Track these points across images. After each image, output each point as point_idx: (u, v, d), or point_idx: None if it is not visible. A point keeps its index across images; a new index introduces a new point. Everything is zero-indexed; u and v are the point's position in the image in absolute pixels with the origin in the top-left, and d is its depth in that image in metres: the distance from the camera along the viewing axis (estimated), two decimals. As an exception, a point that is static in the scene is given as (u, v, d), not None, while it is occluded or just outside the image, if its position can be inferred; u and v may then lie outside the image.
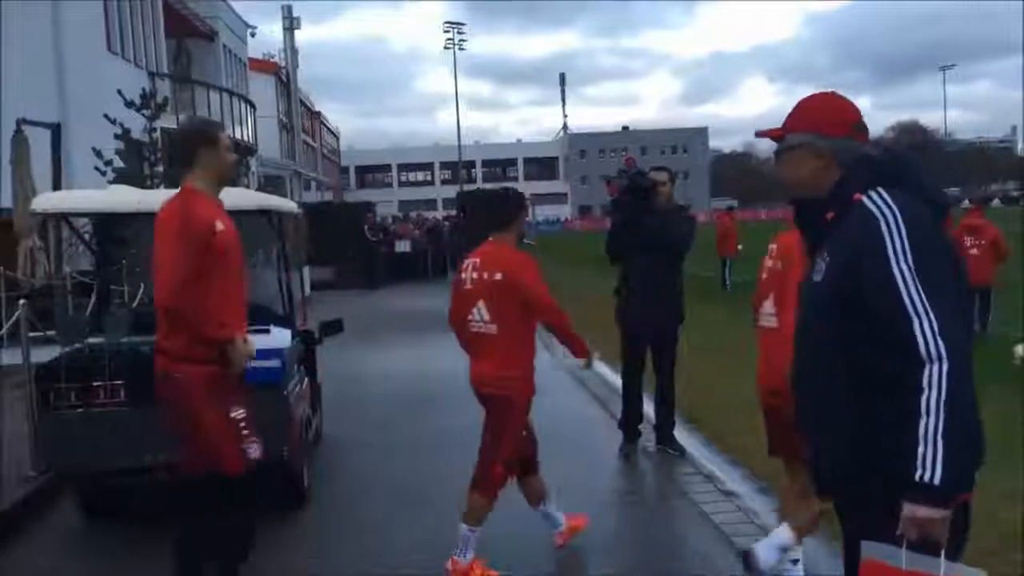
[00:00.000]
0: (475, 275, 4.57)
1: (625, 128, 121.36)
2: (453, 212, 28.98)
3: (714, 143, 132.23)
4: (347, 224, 24.79)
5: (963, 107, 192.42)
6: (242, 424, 4.03)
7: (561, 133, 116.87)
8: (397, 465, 6.87)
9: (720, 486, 5.99)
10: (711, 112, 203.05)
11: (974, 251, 10.99)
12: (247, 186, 16.67)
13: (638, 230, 6.61)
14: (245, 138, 30.55)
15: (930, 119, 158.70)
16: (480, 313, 4.53)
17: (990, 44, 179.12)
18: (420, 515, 5.63)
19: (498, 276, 4.48)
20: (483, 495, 4.52)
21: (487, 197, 23.76)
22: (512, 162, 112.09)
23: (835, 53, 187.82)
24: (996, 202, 75.14)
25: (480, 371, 4.57)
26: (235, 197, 4.94)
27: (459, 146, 77.59)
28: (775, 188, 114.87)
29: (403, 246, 27.40)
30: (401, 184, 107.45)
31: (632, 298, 6.79)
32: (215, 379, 3.95)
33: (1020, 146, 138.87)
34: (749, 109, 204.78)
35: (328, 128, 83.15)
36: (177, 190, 4.10)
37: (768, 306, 4.29)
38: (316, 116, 71.39)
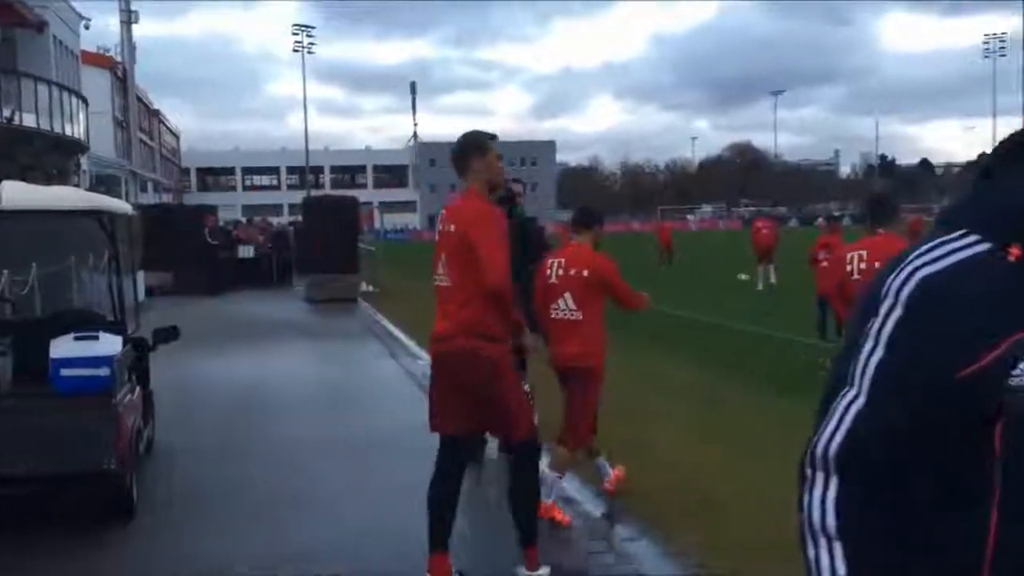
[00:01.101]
0: (560, 272, 5.31)
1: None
2: (299, 217, 28.36)
3: (562, 157, 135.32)
4: (186, 227, 23.90)
5: (793, 131, 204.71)
6: (530, 397, 4.58)
7: (412, 141, 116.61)
8: (231, 472, 6.68)
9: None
10: (561, 126, 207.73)
11: (824, 264, 11.85)
12: (77, 185, 15.81)
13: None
14: (75, 134, 28.98)
15: (762, 141, 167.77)
16: (565, 303, 5.25)
17: (818, 73, 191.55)
18: (256, 520, 5.51)
19: (585, 272, 5.25)
20: (570, 448, 5.32)
21: (331, 204, 23.53)
22: (361, 169, 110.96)
23: (679, 74, 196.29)
24: (820, 221, 79.89)
25: (565, 350, 5.26)
26: (62, 197, 4.71)
27: (306, 151, 76.11)
28: (620, 202, 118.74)
29: (246, 251, 26.65)
30: (246, 188, 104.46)
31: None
32: (510, 356, 4.40)
33: (842, 169, 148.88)
34: (596, 125, 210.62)
35: (168, 127, 79.96)
36: None
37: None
38: (155, 114, 68.51)
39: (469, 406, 4.30)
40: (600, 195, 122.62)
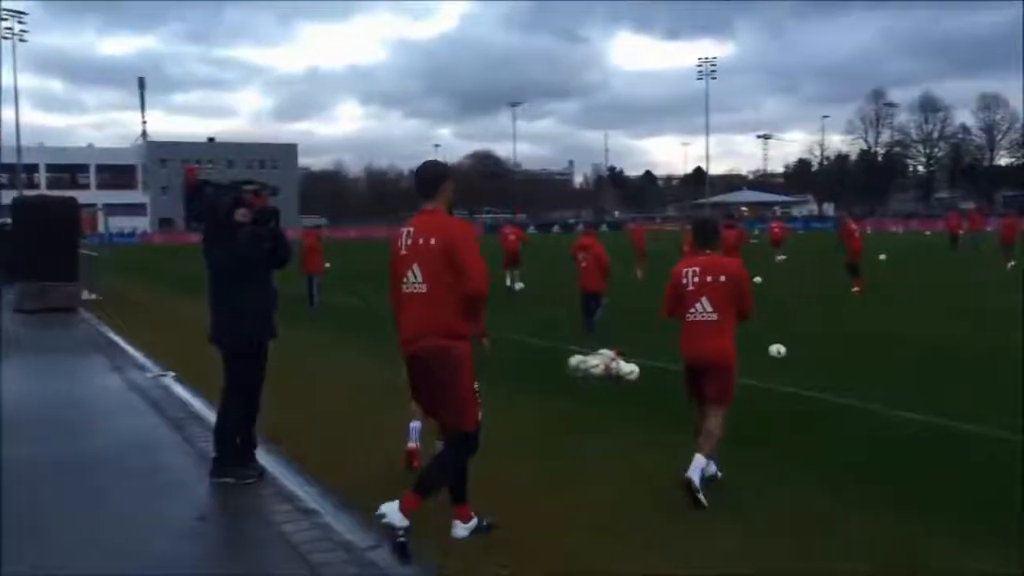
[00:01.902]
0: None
1: (211, 139, 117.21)
2: (8, 220, 25.72)
3: (305, 160, 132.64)
4: None
5: (531, 141, 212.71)
6: (477, 391, 5.02)
7: (140, 140, 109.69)
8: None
9: (299, 504, 5.93)
10: (304, 129, 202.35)
11: (584, 264, 13.78)
12: None
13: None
14: None
15: (503, 150, 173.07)
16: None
17: (555, 87, 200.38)
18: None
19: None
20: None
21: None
22: (83, 168, 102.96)
23: (424, 81, 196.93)
24: (556, 228, 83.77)
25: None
26: None
27: (18, 147, 69.44)
28: (364, 207, 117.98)
29: (-58, 258, 23.81)
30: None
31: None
32: (470, 353, 4.99)
33: (576, 178, 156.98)
34: (341, 129, 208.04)
35: None
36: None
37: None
38: None
39: (434, 398, 5.04)
40: (344, 200, 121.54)
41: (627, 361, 10.06)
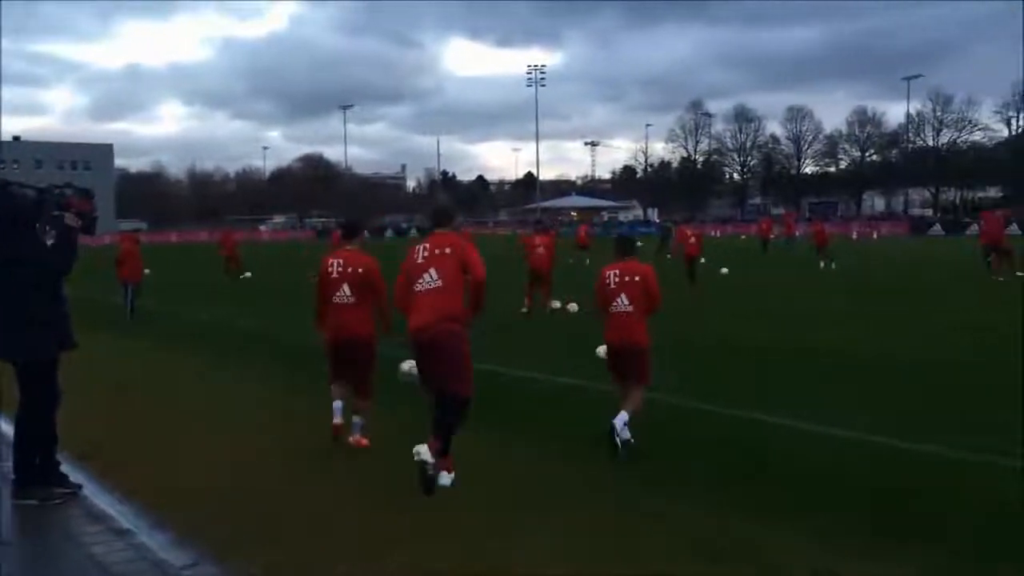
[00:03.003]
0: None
1: (16, 138, 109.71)
2: None
3: (122, 162, 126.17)
4: None
5: (364, 145, 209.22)
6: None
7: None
8: None
9: (111, 524, 5.58)
10: (122, 129, 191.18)
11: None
12: None
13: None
14: None
15: (334, 153, 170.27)
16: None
17: (387, 91, 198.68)
18: None
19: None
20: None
21: None
22: None
23: (252, 82, 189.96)
24: (389, 232, 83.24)
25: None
26: None
27: None
28: (187, 211, 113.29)
29: None
30: None
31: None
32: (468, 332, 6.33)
33: (409, 183, 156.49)
34: (162, 129, 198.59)
35: None
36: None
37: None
38: None
39: (438, 372, 6.17)
40: (166, 203, 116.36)
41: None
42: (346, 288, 7.36)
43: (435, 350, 6.15)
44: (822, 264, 30.49)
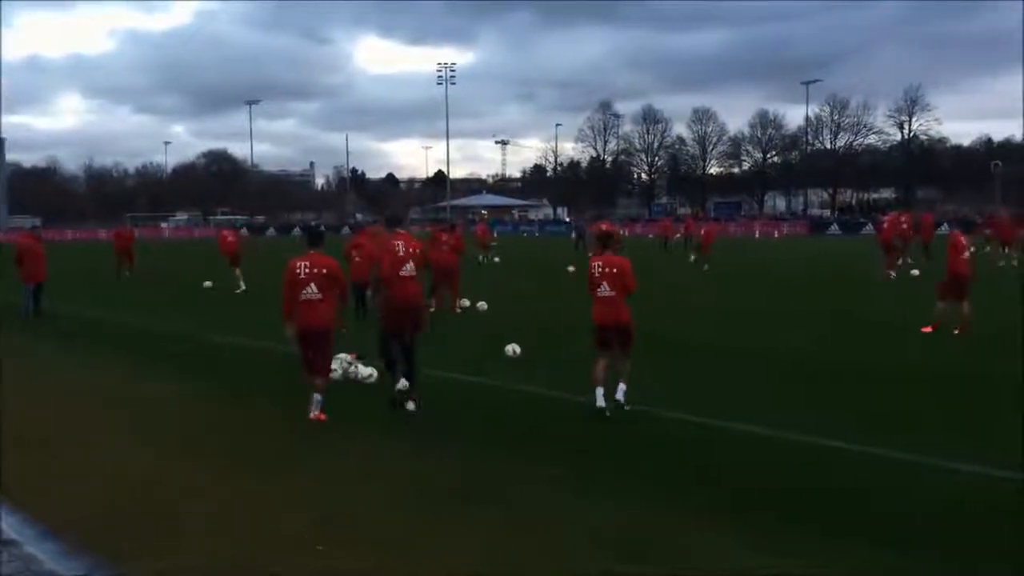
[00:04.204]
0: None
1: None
2: None
3: (15, 156, 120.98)
4: None
5: (273, 141, 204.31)
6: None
7: None
8: None
9: None
10: (20, 123, 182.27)
11: (357, 259, 15.57)
12: None
13: None
14: None
15: (241, 149, 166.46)
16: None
17: (296, 87, 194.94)
18: None
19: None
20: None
21: None
22: None
23: (156, 76, 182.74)
24: (297, 231, 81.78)
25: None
26: None
27: None
28: (84, 208, 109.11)
29: None
30: None
31: None
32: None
33: (317, 180, 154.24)
34: (61, 123, 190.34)
35: None
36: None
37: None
38: None
39: (406, 319, 8.83)
40: (62, 200, 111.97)
41: (365, 365, 10.10)
42: (313, 286, 8.46)
43: (410, 312, 8.90)
44: (692, 257, 32.58)
